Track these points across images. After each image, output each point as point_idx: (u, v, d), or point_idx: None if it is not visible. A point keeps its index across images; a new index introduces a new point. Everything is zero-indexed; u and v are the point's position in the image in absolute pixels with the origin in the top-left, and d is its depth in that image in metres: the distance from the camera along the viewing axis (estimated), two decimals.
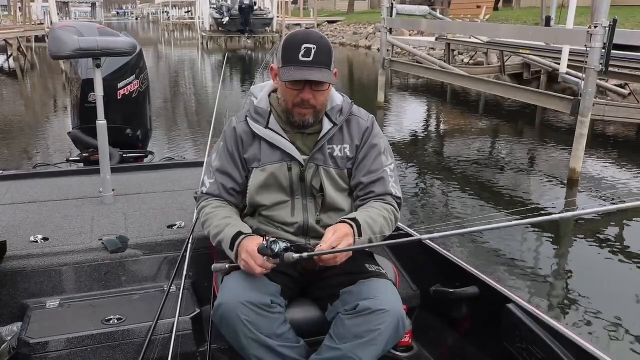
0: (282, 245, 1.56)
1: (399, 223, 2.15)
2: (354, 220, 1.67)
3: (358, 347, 1.61)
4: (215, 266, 1.69)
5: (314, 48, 1.64)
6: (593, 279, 4.16)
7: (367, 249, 1.90)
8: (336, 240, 1.59)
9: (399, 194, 1.84)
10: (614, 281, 4.12)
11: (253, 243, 1.61)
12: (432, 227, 1.63)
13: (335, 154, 1.81)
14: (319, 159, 1.80)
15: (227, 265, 1.68)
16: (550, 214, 1.48)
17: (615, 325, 3.43)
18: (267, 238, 1.58)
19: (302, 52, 1.64)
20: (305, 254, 1.56)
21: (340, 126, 1.82)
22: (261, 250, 1.56)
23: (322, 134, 1.79)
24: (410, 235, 2.05)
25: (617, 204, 5.82)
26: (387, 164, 1.84)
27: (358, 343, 1.61)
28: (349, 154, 1.82)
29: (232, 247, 1.67)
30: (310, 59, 1.64)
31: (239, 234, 1.68)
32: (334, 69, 1.72)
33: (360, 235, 1.64)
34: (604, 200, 5.87)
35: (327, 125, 1.80)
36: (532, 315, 1.72)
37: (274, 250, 1.54)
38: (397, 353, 2.12)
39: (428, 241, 2.25)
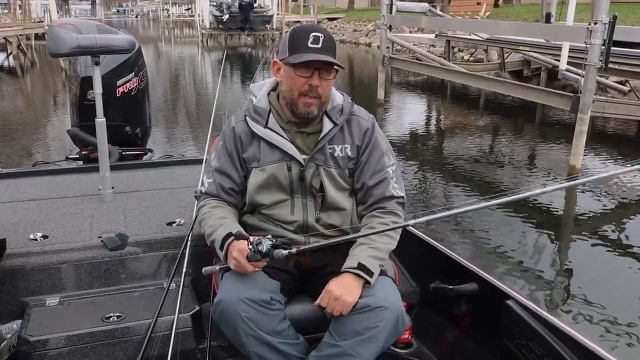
0: (268, 242, 1.56)
1: (428, 238, 2.19)
2: (359, 266, 1.64)
3: (357, 344, 1.61)
4: (205, 269, 1.68)
5: (322, 36, 1.67)
6: (592, 275, 4.17)
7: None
8: (340, 308, 1.60)
9: (402, 193, 1.84)
10: (612, 277, 4.13)
11: (244, 243, 1.61)
12: (417, 212, 1.66)
13: (336, 154, 1.81)
14: (319, 159, 1.80)
15: (217, 267, 1.68)
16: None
17: (614, 321, 3.44)
18: (251, 241, 1.57)
19: (310, 39, 1.66)
20: (294, 250, 1.57)
21: (341, 126, 1.81)
22: (251, 258, 1.56)
23: (322, 134, 1.79)
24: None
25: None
26: (389, 165, 1.84)
27: (357, 340, 1.61)
28: (350, 153, 1.82)
29: (222, 248, 1.67)
30: (319, 45, 1.66)
31: (229, 234, 1.67)
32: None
33: (371, 276, 1.64)
34: (604, 197, 5.88)
35: (327, 125, 1.79)
36: (532, 311, 1.72)
37: (261, 252, 1.54)
38: (397, 349, 2.12)
39: (428, 238, 2.26)
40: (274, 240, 1.58)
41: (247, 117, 1.83)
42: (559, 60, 9.15)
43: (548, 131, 9.04)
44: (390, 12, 10.39)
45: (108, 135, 2.77)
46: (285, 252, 1.55)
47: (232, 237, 1.65)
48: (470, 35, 13.32)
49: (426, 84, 14.13)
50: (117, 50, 2.77)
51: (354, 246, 1.74)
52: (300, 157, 1.78)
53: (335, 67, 1.70)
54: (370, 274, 1.64)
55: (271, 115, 1.81)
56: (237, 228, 1.72)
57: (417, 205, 5.64)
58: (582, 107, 6.11)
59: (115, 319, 1.96)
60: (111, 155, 3.20)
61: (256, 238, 1.58)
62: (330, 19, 35.26)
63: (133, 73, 3.62)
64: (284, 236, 1.81)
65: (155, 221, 2.48)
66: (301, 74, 1.69)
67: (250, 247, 1.56)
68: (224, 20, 29.21)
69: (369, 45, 25.58)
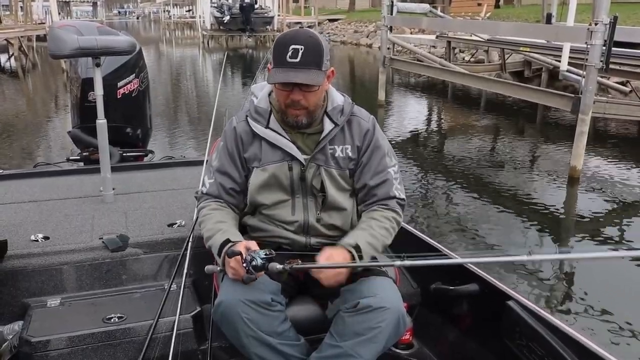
0: (262, 255, 1.54)
1: (429, 239, 2.19)
2: (356, 247, 1.66)
3: (358, 345, 1.61)
4: (207, 267, 1.68)
5: (301, 48, 1.62)
6: (593, 276, 4.16)
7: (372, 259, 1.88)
8: (325, 277, 1.62)
9: (402, 195, 1.85)
10: (613, 278, 4.12)
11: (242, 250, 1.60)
12: (475, 252, 1.63)
13: (336, 155, 1.81)
14: (320, 159, 1.80)
15: (218, 268, 1.68)
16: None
17: (615, 321, 3.43)
18: (244, 257, 1.55)
19: (289, 53, 1.62)
20: (287, 267, 1.55)
21: (342, 126, 1.81)
22: (246, 280, 1.55)
23: (323, 135, 1.79)
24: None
25: None
26: (390, 165, 1.84)
27: (358, 340, 1.61)
28: (350, 154, 1.82)
29: (219, 254, 1.67)
30: (297, 59, 1.62)
31: (227, 241, 1.67)
32: (328, 67, 1.70)
33: (361, 258, 1.66)
34: (605, 197, 5.87)
35: (328, 125, 1.79)
36: (532, 312, 1.72)
37: (256, 267, 1.53)
38: (398, 350, 2.12)
39: (428, 238, 2.26)
40: (267, 252, 1.56)
41: (248, 117, 1.83)
42: (559, 61, 9.13)
43: (549, 132, 9.03)
44: (391, 13, 10.39)
45: (109, 136, 2.77)
46: (279, 266, 1.54)
47: (230, 244, 1.65)
48: (471, 36, 13.32)
49: (427, 85, 14.13)
50: (118, 52, 2.77)
51: (356, 228, 1.77)
52: (302, 157, 1.79)
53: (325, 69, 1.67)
54: (360, 257, 1.66)
55: (272, 115, 1.81)
56: (234, 235, 1.72)
57: (417, 206, 5.64)
58: (583, 108, 6.10)
59: (117, 320, 1.97)
60: (112, 156, 3.21)
61: (248, 252, 1.57)
62: (331, 20, 35.26)
63: (134, 74, 3.62)
64: (285, 237, 1.82)
65: (156, 222, 2.48)
66: (282, 89, 1.69)
67: (244, 264, 1.54)
68: (225, 21, 29.21)
69: (369, 46, 25.56)
